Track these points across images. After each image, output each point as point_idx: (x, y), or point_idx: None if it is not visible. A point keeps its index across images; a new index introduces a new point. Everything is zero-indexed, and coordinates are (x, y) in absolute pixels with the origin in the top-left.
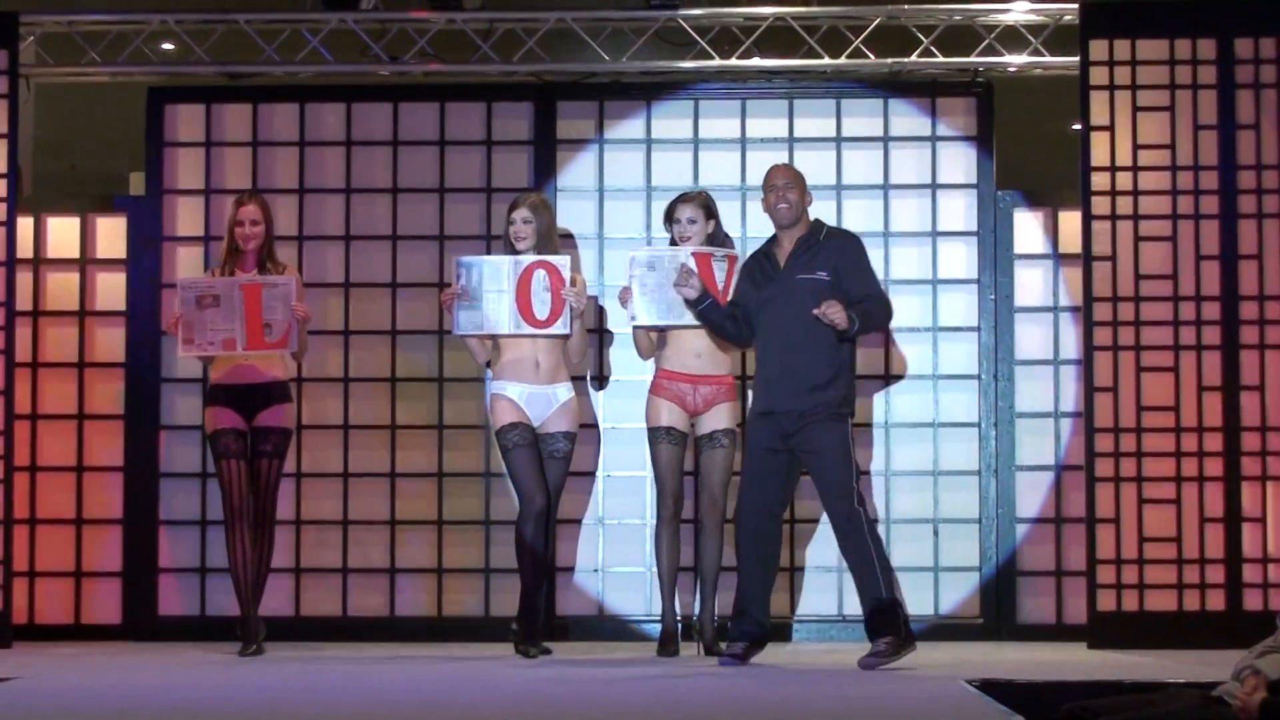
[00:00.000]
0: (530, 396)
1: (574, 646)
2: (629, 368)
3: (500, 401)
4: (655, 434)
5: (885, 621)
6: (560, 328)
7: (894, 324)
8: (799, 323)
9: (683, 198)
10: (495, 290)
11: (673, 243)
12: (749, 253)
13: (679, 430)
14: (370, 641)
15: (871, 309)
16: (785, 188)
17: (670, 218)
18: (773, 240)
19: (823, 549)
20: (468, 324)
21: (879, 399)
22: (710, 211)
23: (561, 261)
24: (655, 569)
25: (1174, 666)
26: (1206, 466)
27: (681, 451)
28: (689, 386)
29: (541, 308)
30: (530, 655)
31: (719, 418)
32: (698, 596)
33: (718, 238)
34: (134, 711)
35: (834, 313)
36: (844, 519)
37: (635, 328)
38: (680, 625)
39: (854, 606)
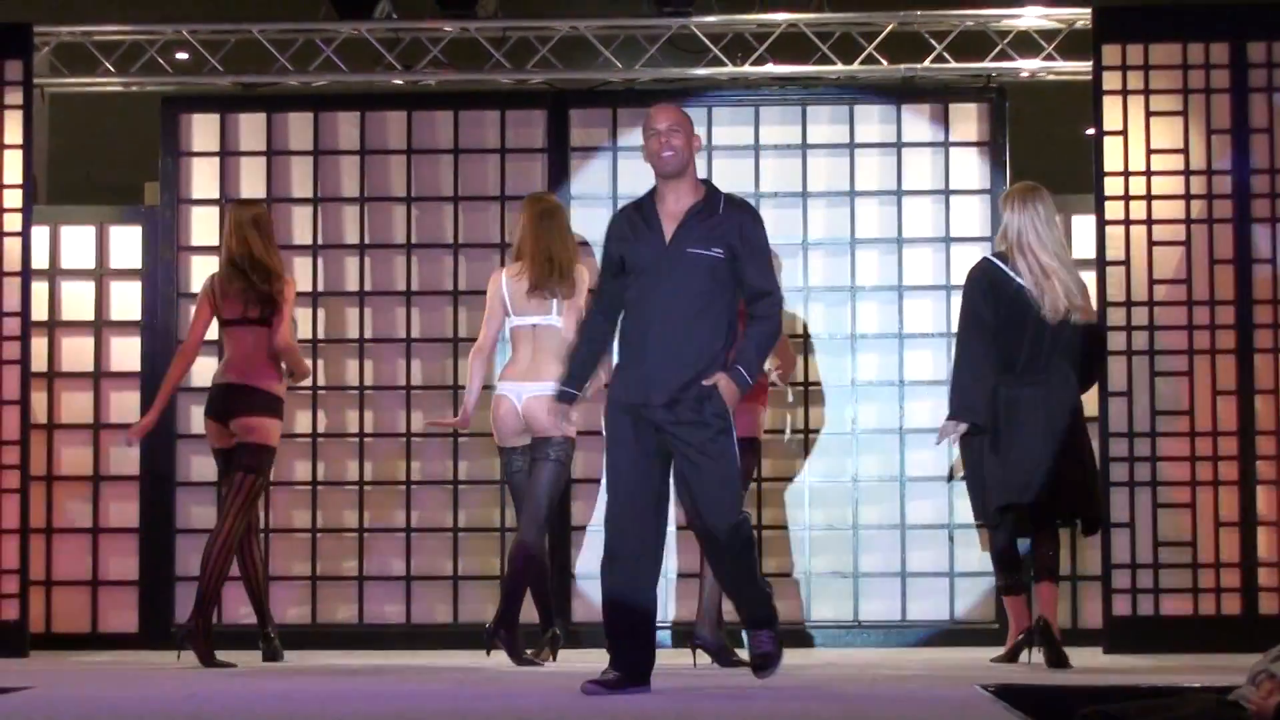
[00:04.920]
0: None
1: (585, 654)
2: None
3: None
4: None
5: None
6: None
7: (909, 329)
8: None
9: None
10: None
11: None
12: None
13: None
14: (386, 649)
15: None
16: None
17: None
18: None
19: (839, 555)
20: None
21: (894, 406)
22: None
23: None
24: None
25: (1189, 671)
26: (1221, 471)
27: None
28: None
29: None
30: (523, 663)
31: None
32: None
33: None
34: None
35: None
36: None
37: None
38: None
39: (869, 612)
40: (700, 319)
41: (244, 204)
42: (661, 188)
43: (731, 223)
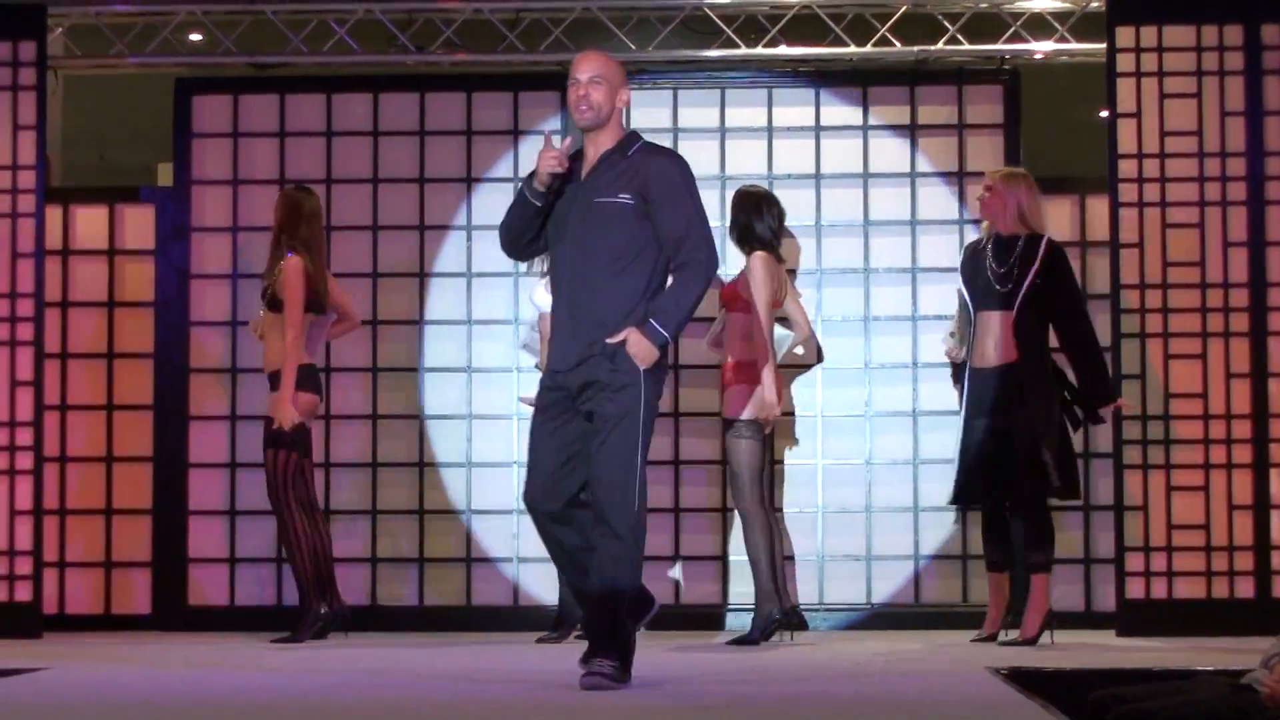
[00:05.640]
0: None
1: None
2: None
3: None
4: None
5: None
6: None
7: (923, 312)
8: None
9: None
10: None
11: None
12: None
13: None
14: (398, 631)
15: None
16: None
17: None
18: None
19: (849, 538)
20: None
21: (908, 388)
22: (743, 204)
23: None
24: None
25: (1203, 654)
26: (1235, 454)
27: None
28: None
29: None
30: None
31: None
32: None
33: (740, 227)
34: (163, 701)
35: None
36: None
37: None
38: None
39: (882, 594)
40: (613, 274)
41: (309, 192)
42: (587, 138)
43: (641, 165)
